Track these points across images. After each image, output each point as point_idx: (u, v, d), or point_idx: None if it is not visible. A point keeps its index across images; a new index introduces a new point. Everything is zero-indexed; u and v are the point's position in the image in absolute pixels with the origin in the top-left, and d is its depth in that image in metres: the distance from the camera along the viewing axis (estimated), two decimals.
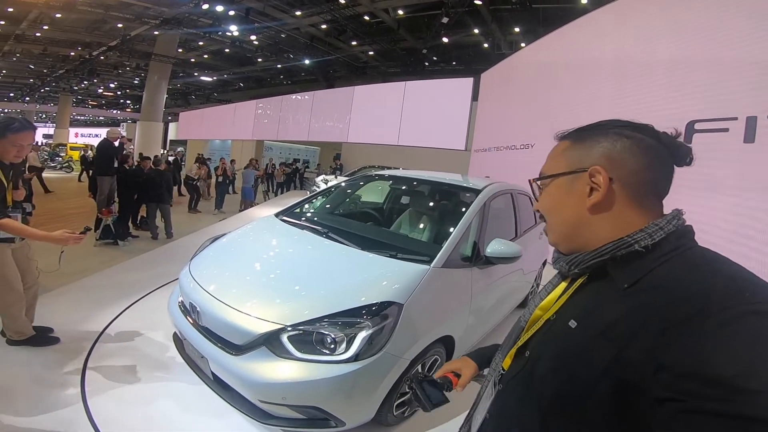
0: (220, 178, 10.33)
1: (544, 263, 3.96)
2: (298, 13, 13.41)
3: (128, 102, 34.55)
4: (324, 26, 14.91)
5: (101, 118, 40.03)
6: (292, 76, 22.87)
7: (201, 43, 18.48)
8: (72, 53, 19.50)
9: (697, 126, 3.86)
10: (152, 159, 7.52)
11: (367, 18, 13.66)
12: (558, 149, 0.72)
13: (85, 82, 24.26)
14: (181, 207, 6.68)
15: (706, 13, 3.90)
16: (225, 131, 21.40)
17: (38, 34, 16.90)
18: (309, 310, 1.76)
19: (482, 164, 8.85)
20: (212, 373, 1.89)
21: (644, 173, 0.62)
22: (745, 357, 0.46)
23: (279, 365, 1.68)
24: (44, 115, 38.22)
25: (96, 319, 2.93)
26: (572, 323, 0.63)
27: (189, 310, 2.07)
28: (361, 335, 1.67)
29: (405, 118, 12.47)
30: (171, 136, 30.54)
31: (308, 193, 8.43)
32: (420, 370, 2.02)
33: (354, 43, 16.16)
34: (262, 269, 2.20)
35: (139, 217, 6.80)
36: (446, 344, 2.18)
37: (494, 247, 2.29)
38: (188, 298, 2.06)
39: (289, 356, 1.68)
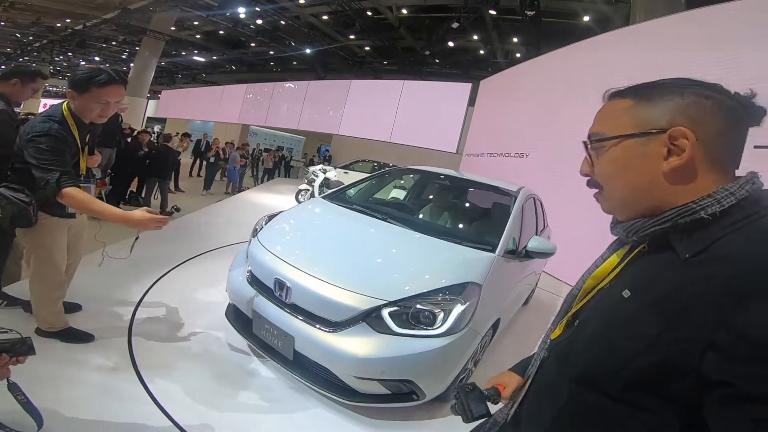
0: (212, 159, 10.15)
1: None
2: (301, 1, 13.30)
3: None
4: (325, 17, 14.85)
5: None
6: (283, 63, 22.51)
7: (196, 23, 17.94)
8: (59, 24, 18.45)
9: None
10: (156, 135, 7.39)
11: (370, 13, 13.72)
12: (616, 107, 0.64)
13: (69, 54, 22.95)
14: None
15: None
16: (210, 112, 20.84)
17: (30, 2, 15.93)
18: (407, 286, 1.92)
19: (473, 168, 8.86)
20: (294, 352, 1.90)
21: (724, 136, 0.56)
22: None
23: (379, 340, 1.79)
24: None
25: (127, 294, 2.82)
26: (626, 293, 0.59)
27: (273, 288, 2.07)
28: (456, 310, 1.86)
29: (400, 117, 12.67)
30: (149, 113, 29.42)
31: (305, 181, 8.42)
32: (467, 382, 2.26)
33: (352, 36, 16.17)
34: (344, 248, 2.27)
35: (128, 192, 6.64)
36: (494, 326, 2.41)
37: (534, 243, 2.54)
38: (274, 274, 2.07)
39: (389, 331, 1.81)
